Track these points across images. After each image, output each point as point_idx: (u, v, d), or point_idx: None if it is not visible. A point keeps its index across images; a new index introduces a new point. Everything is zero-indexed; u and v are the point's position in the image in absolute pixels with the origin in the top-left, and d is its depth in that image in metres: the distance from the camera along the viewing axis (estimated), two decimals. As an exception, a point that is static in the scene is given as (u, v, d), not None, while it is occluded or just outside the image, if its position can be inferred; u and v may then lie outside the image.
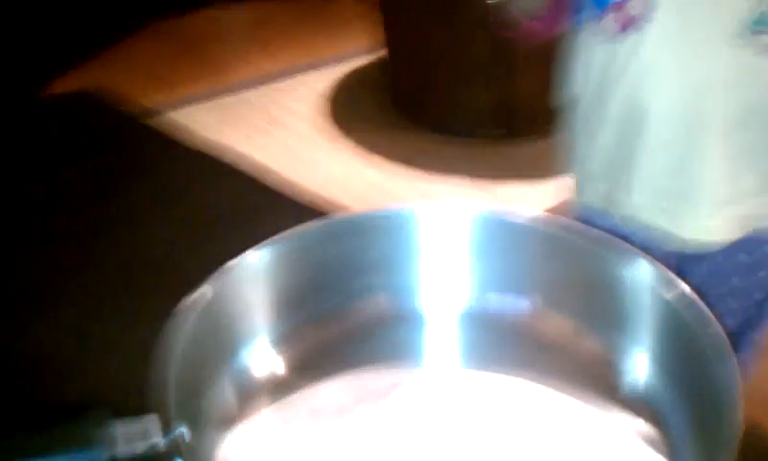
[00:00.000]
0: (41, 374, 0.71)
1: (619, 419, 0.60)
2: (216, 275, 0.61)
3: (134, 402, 0.52)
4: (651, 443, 0.58)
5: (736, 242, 0.98)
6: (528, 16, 0.98)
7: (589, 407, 0.60)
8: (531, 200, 2.41)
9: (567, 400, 0.61)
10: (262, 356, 0.65)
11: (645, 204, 0.98)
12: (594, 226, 1.04)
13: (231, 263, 0.62)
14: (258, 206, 0.97)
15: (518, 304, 0.67)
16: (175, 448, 0.51)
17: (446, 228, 0.68)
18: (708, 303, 0.88)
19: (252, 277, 0.64)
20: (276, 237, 0.65)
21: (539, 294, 0.66)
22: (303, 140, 2.93)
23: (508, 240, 0.66)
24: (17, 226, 0.92)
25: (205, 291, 0.59)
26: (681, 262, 0.98)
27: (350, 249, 0.67)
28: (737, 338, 1.02)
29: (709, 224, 0.96)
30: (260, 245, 0.64)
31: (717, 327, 0.56)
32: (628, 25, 0.89)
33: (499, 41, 2.56)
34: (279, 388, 0.63)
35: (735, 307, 1.03)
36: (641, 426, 0.59)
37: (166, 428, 0.50)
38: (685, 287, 0.59)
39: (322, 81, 3.28)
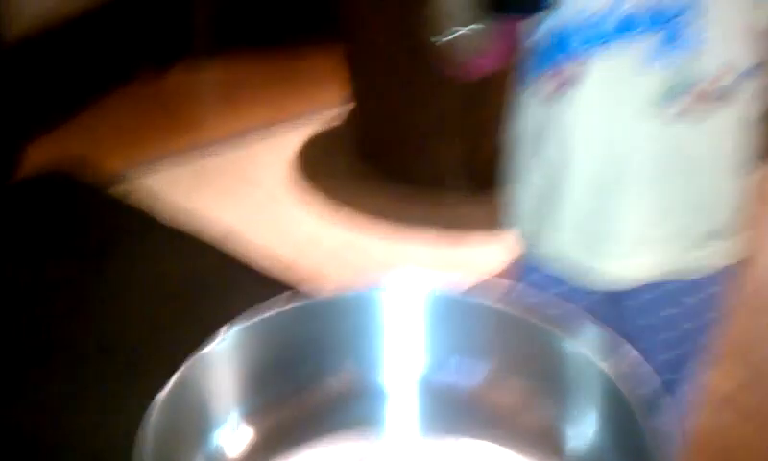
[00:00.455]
0: (22, 456, 0.75)
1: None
2: (189, 361, 0.65)
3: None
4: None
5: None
6: (473, 53, 1.07)
7: None
8: (497, 253, 2.47)
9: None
10: (233, 434, 0.69)
11: (571, 241, 1.07)
12: (535, 275, 1.14)
13: (202, 349, 0.66)
14: (230, 280, 1.01)
15: (472, 375, 0.72)
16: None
17: (405, 307, 0.73)
18: (640, 339, 0.97)
19: (222, 359, 0.68)
20: (244, 317, 0.69)
21: (491, 365, 0.71)
22: (273, 197, 2.98)
23: (462, 317, 0.72)
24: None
25: (179, 379, 0.63)
26: (610, 299, 1.07)
27: (315, 329, 0.72)
28: (673, 373, 1.09)
29: (631, 262, 1.05)
30: (228, 327, 0.68)
31: (652, 389, 0.61)
32: (561, 87, 1.00)
33: (467, 95, 2.66)
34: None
35: (667, 338, 1.09)
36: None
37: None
38: (625, 351, 0.65)
39: (291, 138, 3.33)
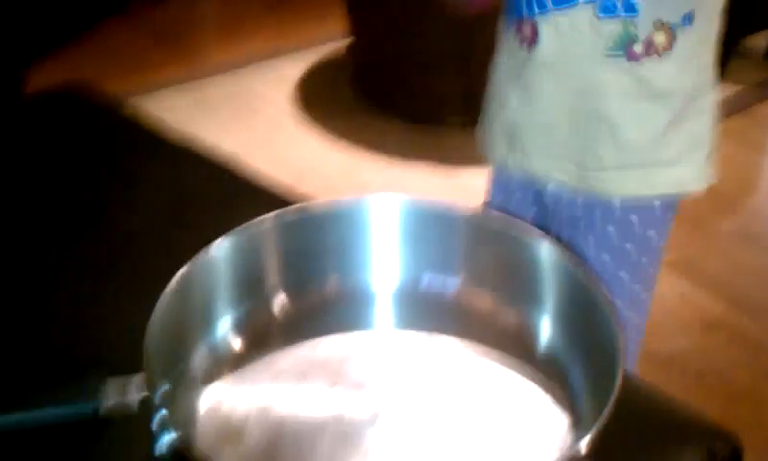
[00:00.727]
0: (53, 338, 0.83)
1: (529, 374, 0.72)
2: (190, 262, 0.72)
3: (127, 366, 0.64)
4: (553, 393, 0.70)
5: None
6: None
7: (505, 365, 0.73)
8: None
9: (487, 357, 0.74)
10: (230, 331, 0.77)
11: (542, 165, 1.16)
12: (508, 186, 1.22)
13: (203, 252, 0.74)
14: (229, 196, 1.08)
15: (447, 282, 0.80)
16: (160, 400, 0.62)
17: (388, 219, 0.81)
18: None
19: (219, 264, 0.75)
20: (241, 227, 0.76)
21: (464, 274, 0.79)
22: (273, 127, 3.02)
23: (439, 229, 0.79)
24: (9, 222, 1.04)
25: (182, 277, 0.71)
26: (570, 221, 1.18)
27: (306, 237, 0.79)
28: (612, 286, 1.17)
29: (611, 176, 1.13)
30: (227, 234, 0.76)
31: (605, 293, 0.69)
32: (522, 42, 1.11)
33: (463, 28, 2.68)
34: (246, 356, 0.75)
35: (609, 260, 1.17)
36: (547, 380, 0.72)
37: (152, 385, 0.61)
38: (582, 264, 0.72)
39: (291, 67, 3.36)
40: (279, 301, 0.79)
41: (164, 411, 0.60)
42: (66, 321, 0.85)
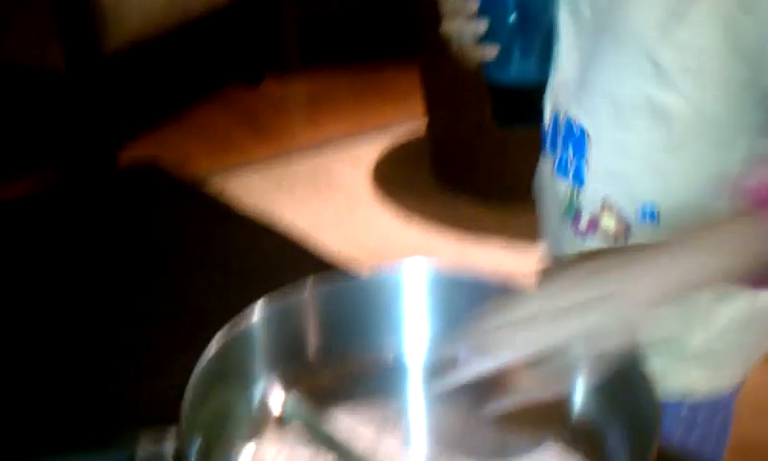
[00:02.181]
0: (102, 390, 0.88)
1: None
2: (236, 320, 0.75)
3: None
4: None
5: None
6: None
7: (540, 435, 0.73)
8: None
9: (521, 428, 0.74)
10: (271, 395, 0.79)
11: None
12: None
13: (243, 314, 0.77)
14: (295, 266, 1.11)
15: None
16: (196, 455, 0.64)
17: (427, 288, 0.82)
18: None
19: (256, 329, 0.78)
20: (281, 291, 0.79)
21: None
22: (348, 207, 3.08)
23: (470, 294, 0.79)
24: (88, 279, 1.10)
25: (225, 336, 0.74)
26: None
27: (344, 304, 0.81)
28: None
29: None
30: (266, 297, 0.78)
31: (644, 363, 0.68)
32: None
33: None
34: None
35: None
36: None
37: (183, 438, 0.64)
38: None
39: (368, 150, 3.44)
40: (315, 370, 0.81)
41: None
42: (114, 373, 0.89)
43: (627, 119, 0.83)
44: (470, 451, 0.72)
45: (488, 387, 0.78)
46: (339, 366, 0.81)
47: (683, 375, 0.90)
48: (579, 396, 0.75)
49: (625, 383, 0.70)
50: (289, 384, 0.79)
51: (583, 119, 0.87)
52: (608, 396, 0.73)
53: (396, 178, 3.24)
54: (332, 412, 0.76)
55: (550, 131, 0.94)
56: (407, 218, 2.96)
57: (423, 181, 3.18)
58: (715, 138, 0.81)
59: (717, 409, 0.93)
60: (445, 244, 2.79)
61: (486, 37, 0.91)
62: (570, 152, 0.89)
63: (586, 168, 0.87)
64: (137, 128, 3.46)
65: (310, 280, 0.81)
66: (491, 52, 0.92)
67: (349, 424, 0.74)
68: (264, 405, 0.78)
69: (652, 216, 0.84)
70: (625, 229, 0.86)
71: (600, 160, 0.86)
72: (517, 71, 0.94)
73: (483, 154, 3.00)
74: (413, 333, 0.83)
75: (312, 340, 0.82)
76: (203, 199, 1.35)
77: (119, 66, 3.24)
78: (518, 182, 2.94)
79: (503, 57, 0.92)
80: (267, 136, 3.65)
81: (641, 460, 0.61)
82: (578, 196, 0.89)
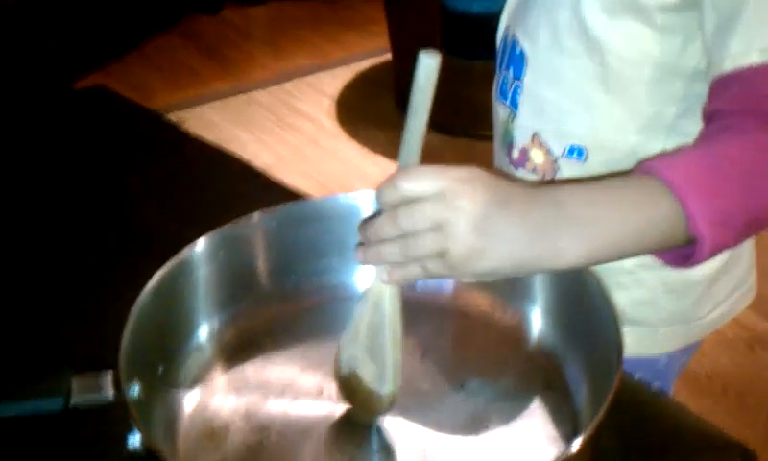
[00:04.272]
0: (28, 331, 0.83)
1: (526, 372, 0.71)
2: (172, 260, 0.71)
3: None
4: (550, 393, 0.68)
5: None
6: None
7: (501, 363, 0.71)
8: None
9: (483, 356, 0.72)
10: (219, 331, 0.75)
11: None
12: None
13: (186, 250, 0.72)
14: (251, 195, 1.06)
15: (443, 284, 0.77)
16: (135, 399, 0.61)
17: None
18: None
19: (205, 262, 0.73)
20: (227, 225, 0.75)
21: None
22: (309, 141, 3.03)
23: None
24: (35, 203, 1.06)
25: (162, 276, 0.69)
26: None
27: (295, 235, 0.77)
28: None
29: None
30: (211, 233, 0.74)
31: (605, 288, 0.66)
32: None
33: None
34: (234, 359, 0.73)
35: None
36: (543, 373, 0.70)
37: (120, 384, 0.60)
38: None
39: (330, 83, 3.37)
40: (266, 302, 0.77)
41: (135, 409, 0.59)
42: (50, 308, 0.85)
43: (562, 43, 0.79)
44: (425, 394, 0.69)
45: (442, 314, 0.76)
46: (290, 299, 0.77)
47: None
48: (536, 321, 0.73)
49: (584, 308, 0.67)
50: (238, 322, 0.75)
51: (523, 40, 0.84)
52: (566, 320, 0.71)
53: (358, 112, 3.18)
54: (280, 353, 0.73)
55: (500, 50, 0.91)
56: (371, 150, 2.91)
57: (386, 115, 3.12)
58: (650, 76, 0.76)
59: (655, 375, 0.90)
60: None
61: None
62: (510, 73, 0.86)
63: (520, 92, 0.84)
64: (92, 61, 3.35)
65: (256, 213, 0.76)
66: None
67: (294, 371, 0.71)
68: (211, 346, 0.74)
69: (579, 154, 0.81)
70: (552, 162, 0.83)
71: (533, 87, 0.83)
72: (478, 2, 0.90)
73: (448, 86, 2.95)
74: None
75: (262, 272, 0.77)
76: (158, 125, 1.30)
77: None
78: (482, 114, 2.94)
79: None
80: (227, 68, 3.55)
81: (603, 391, 0.58)
82: (512, 122, 0.86)
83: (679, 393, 0.99)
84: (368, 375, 0.65)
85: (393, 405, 0.66)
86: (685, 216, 0.58)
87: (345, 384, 0.67)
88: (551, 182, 0.82)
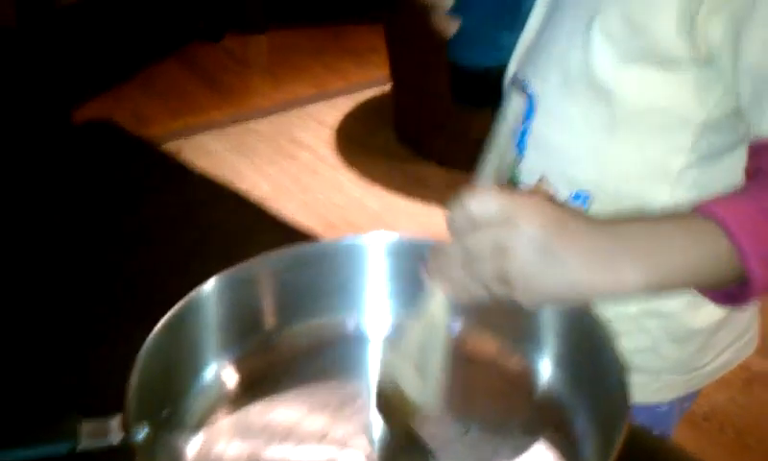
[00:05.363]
0: (36, 376, 0.82)
1: (532, 419, 0.70)
2: (186, 298, 0.71)
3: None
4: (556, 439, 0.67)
5: None
6: None
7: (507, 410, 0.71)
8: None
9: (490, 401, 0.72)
10: (224, 373, 0.75)
11: None
12: None
13: (195, 292, 0.72)
14: (252, 231, 1.07)
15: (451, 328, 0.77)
16: (141, 443, 0.60)
17: (391, 257, 0.78)
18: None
19: (213, 303, 0.73)
20: (235, 267, 0.75)
21: (467, 317, 0.76)
22: (308, 171, 3.04)
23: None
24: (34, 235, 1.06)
25: (170, 318, 0.69)
26: None
27: (302, 277, 0.77)
28: None
29: None
30: (220, 274, 0.74)
31: (612, 336, 0.66)
32: None
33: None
34: (239, 401, 0.73)
35: None
36: (550, 419, 0.69)
37: (128, 428, 0.59)
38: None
39: (329, 113, 3.39)
40: (271, 343, 0.77)
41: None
42: (57, 352, 0.84)
43: (572, 88, 0.80)
44: (431, 436, 0.69)
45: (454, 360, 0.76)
46: (296, 340, 0.77)
47: None
48: (543, 368, 0.73)
49: (592, 356, 0.67)
50: (243, 363, 0.75)
51: (534, 82, 0.84)
52: (573, 368, 0.71)
53: (357, 142, 3.20)
54: (285, 395, 0.73)
55: (508, 91, 0.91)
56: (370, 180, 2.92)
57: (387, 144, 3.14)
58: (659, 125, 0.77)
59: (656, 421, 0.91)
60: (408, 208, 2.76)
61: (455, 12, 0.88)
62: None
63: (528, 135, 0.85)
64: (93, 87, 3.36)
65: (263, 255, 0.76)
66: (453, 26, 0.88)
67: (301, 408, 0.71)
68: (216, 388, 0.74)
69: (584, 199, 0.82)
70: None
71: (542, 130, 0.83)
72: (480, 55, 0.91)
73: (448, 119, 2.96)
74: (374, 303, 0.79)
75: (269, 314, 0.77)
76: (158, 159, 1.30)
77: (72, 20, 3.13)
78: (482, 148, 2.95)
79: (468, 38, 0.89)
80: (227, 97, 3.57)
81: (610, 440, 0.58)
82: (518, 165, 0.86)
83: (676, 432, 1.00)
84: (412, 389, 0.66)
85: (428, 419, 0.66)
86: (738, 254, 0.59)
87: (385, 395, 0.67)
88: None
